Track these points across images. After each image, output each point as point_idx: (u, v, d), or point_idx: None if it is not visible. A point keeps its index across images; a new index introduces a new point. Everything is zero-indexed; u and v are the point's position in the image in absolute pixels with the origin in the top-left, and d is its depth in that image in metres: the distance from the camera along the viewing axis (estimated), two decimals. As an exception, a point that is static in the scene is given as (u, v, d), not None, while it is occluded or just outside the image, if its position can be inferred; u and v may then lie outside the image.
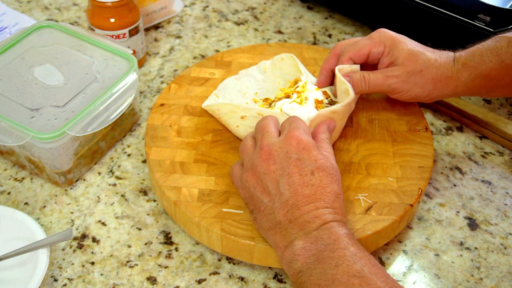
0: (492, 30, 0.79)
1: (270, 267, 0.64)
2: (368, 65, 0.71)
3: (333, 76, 0.71)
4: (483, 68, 0.65)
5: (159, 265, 0.64)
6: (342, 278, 0.49)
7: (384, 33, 0.69)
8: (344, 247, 0.52)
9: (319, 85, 0.71)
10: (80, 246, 0.66)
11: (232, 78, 0.77)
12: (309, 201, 0.55)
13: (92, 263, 0.64)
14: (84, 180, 0.73)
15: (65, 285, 0.62)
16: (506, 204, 0.72)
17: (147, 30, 0.96)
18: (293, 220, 0.55)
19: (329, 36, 0.97)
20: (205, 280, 0.63)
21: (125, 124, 0.77)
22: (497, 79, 0.66)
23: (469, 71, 0.66)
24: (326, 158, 0.58)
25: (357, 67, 0.70)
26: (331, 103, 0.70)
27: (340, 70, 0.69)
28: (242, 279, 0.63)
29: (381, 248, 0.66)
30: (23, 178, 0.73)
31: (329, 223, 0.54)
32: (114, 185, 0.72)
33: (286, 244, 0.55)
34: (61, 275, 0.63)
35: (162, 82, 0.87)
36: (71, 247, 0.66)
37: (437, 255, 0.66)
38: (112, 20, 0.81)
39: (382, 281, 0.49)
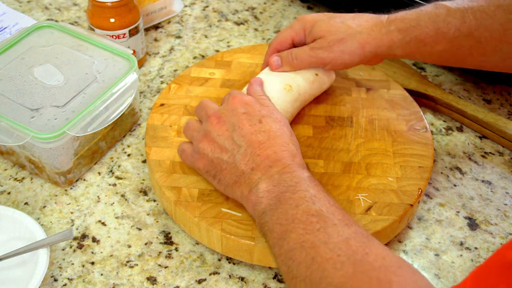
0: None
1: (270, 267, 0.64)
2: None
3: None
4: (418, 32, 0.66)
5: (159, 265, 0.64)
6: (302, 217, 0.52)
7: (303, 19, 0.72)
8: (304, 189, 0.54)
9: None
10: (80, 246, 0.66)
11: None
12: (266, 147, 0.58)
13: (92, 263, 0.64)
14: (84, 180, 0.73)
15: (65, 285, 0.62)
16: (506, 204, 0.72)
17: (147, 30, 0.96)
18: (255, 167, 0.57)
19: (329, 36, 0.97)
20: (205, 280, 0.63)
21: (125, 124, 0.77)
22: (431, 46, 0.66)
23: (403, 34, 0.66)
24: (269, 108, 0.62)
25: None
26: None
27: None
28: (242, 279, 0.63)
29: (381, 248, 0.66)
30: (23, 178, 0.73)
31: (290, 166, 0.57)
32: (114, 185, 0.72)
33: (250, 189, 0.57)
34: (61, 275, 0.63)
35: (162, 82, 0.87)
36: (71, 247, 0.66)
37: (437, 255, 0.66)
38: (112, 20, 0.81)
39: (339, 219, 0.51)
